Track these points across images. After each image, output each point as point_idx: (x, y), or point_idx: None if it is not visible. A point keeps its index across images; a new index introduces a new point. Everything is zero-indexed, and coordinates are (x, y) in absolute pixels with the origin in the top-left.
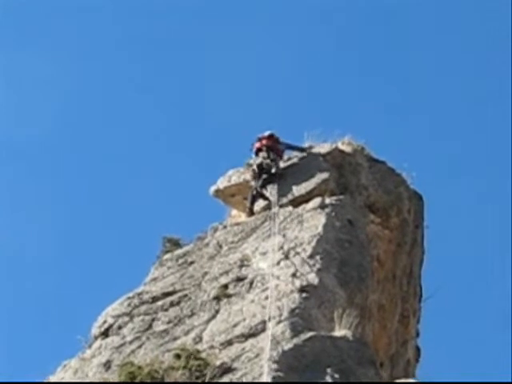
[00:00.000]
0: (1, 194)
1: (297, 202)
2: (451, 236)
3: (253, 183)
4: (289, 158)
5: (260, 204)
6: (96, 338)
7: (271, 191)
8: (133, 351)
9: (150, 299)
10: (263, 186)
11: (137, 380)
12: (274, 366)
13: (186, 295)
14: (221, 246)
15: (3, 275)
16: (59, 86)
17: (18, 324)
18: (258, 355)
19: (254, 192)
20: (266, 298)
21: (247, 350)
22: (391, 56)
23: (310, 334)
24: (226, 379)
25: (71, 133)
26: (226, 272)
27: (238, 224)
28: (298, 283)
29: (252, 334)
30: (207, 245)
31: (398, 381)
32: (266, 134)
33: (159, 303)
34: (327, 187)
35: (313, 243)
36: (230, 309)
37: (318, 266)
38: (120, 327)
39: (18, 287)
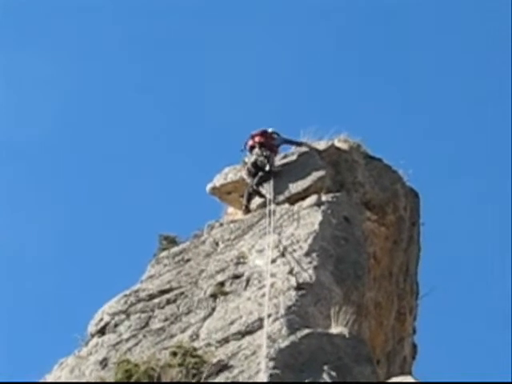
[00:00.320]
0: (1, 194)
1: (293, 200)
2: (448, 233)
3: (249, 181)
4: (285, 156)
5: (256, 201)
6: (92, 335)
7: (267, 189)
8: (129, 349)
9: (147, 297)
10: (259, 183)
11: (133, 378)
12: (271, 363)
13: (182, 293)
14: (217, 244)
15: (3, 275)
16: (59, 85)
17: (15, 323)
18: (254, 353)
19: (250, 190)
20: (263, 295)
21: (244, 348)
22: (388, 54)
23: (307, 331)
24: (222, 377)
25: (71, 133)
26: (223, 269)
27: (234, 221)
28: (294, 280)
29: (249, 331)
30: (204, 242)
31: (394, 378)
32: (259, 130)
33: (156, 301)
34: (323, 184)
35: (309, 240)
36: (227, 306)
37: (314, 263)
38: (116, 325)
39: (17, 287)
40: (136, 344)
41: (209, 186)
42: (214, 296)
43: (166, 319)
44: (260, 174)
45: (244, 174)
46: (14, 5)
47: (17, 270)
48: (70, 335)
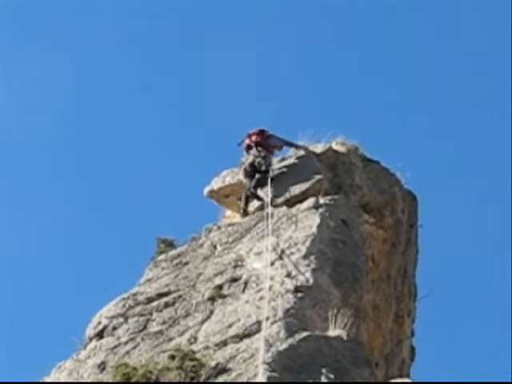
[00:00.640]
0: (1, 194)
1: (291, 202)
2: (446, 235)
3: (246, 182)
4: (283, 159)
5: (254, 204)
6: (91, 339)
7: (265, 191)
8: (127, 352)
9: (145, 300)
10: (257, 186)
11: (132, 381)
12: (269, 366)
13: (180, 296)
14: (215, 247)
15: (2, 275)
16: (59, 85)
17: (13, 325)
18: (252, 356)
19: (248, 193)
20: (261, 298)
21: (242, 351)
22: (386, 56)
23: (305, 334)
24: (220, 380)
25: (71, 133)
26: (221, 272)
27: (232, 225)
28: (292, 283)
29: (247, 334)
30: (201, 245)
31: (392, 380)
32: (256, 129)
33: (154, 304)
34: (321, 187)
35: (307, 243)
36: (225, 309)
37: (312, 266)
38: (115, 328)
39: (16, 288)
40: (134, 347)
41: (207, 189)
42: (212, 299)
43: (164, 322)
44: (257, 176)
45: (241, 174)
46: (13, 5)
47: (16, 271)
48: (65, 338)
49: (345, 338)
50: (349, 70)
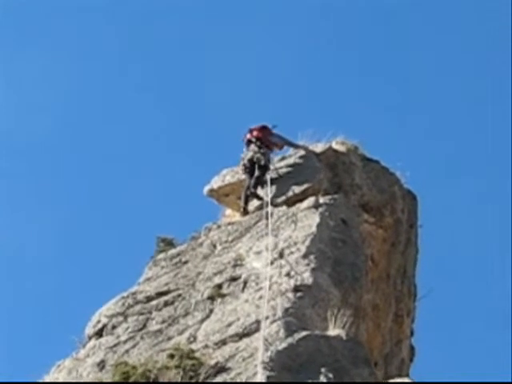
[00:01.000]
0: (1, 194)
1: (291, 202)
2: (445, 235)
3: (245, 178)
4: (283, 158)
5: (254, 203)
6: (90, 337)
7: (265, 191)
8: (127, 351)
9: (144, 299)
10: (256, 185)
11: (131, 380)
12: (268, 365)
13: (179, 295)
14: (215, 246)
15: (2, 275)
16: (59, 85)
17: (13, 324)
18: (252, 355)
19: (248, 192)
20: (260, 297)
21: (241, 350)
22: (386, 56)
23: (304, 333)
24: (219, 379)
25: (71, 133)
26: (220, 272)
27: (231, 224)
28: (292, 283)
29: (246, 333)
30: (201, 244)
31: (392, 380)
32: (258, 125)
33: (153, 303)
34: (321, 186)
35: (307, 243)
36: (224, 308)
37: (312, 265)
38: (114, 327)
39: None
40: (133, 346)
41: (206, 188)
42: (211, 298)
43: (163, 321)
44: (257, 173)
45: (240, 170)
46: (13, 5)
47: (16, 270)
48: (65, 336)
49: (344, 337)
50: (349, 69)
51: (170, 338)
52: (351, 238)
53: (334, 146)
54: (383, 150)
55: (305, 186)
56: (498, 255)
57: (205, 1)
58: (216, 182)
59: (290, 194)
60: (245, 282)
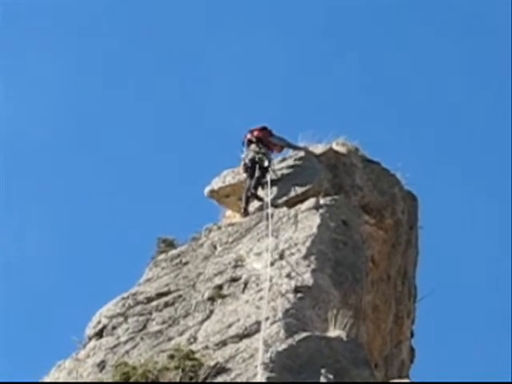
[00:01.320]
0: (1, 194)
1: (291, 203)
2: (446, 236)
3: (246, 178)
4: (283, 159)
5: (255, 204)
6: (90, 338)
7: (265, 192)
8: (127, 352)
9: (145, 300)
10: (257, 186)
11: (131, 380)
12: (268, 366)
13: (180, 296)
14: (215, 247)
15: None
16: (59, 86)
17: (12, 324)
18: (252, 356)
19: (249, 193)
20: (261, 298)
21: (241, 351)
22: (387, 56)
23: (305, 334)
24: (220, 380)
25: (71, 133)
26: (221, 272)
27: (232, 225)
28: (292, 284)
29: (246, 334)
30: (202, 245)
31: (392, 381)
32: (259, 126)
33: (154, 304)
34: (321, 188)
35: (307, 244)
36: (225, 309)
37: (312, 266)
38: (114, 328)
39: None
40: (134, 347)
41: (207, 189)
42: (211, 299)
43: (163, 322)
44: (257, 174)
45: (241, 170)
46: (14, 5)
47: (16, 270)
48: (65, 337)
49: (344, 338)
50: (350, 70)
51: (170, 339)
52: (352, 239)
53: (335, 147)
54: (384, 152)
55: (305, 187)
56: (499, 256)
57: (205, 1)
58: (216, 183)
59: (291, 195)
60: (245, 283)
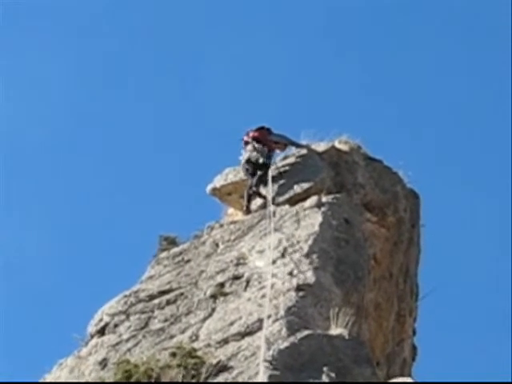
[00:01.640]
0: (1, 194)
1: (293, 201)
2: (447, 235)
3: (246, 177)
4: (285, 157)
5: (257, 202)
6: (92, 336)
7: (268, 189)
8: (129, 349)
9: (147, 297)
10: (259, 184)
11: (133, 378)
12: (270, 364)
13: (182, 293)
14: (217, 245)
15: (2, 275)
16: (59, 86)
17: (14, 323)
18: (254, 354)
19: (251, 191)
20: (263, 296)
21: (243, 349)
22: (389, 55)
23: (307, 332)
24: (221, 378)
25: (71, 133)
26: (223, 270)
27: (234, 222)
28: (294, 282)
29: (248, 332)
30: (204, 243)
31: (394, 380)
32: (256, 127)
33: (156, 301)
34: (324, 186)
35: (309, 242)
36: (227, 307)
37: (314, 264)
38: (116, 325)
39: (16, 287)
40: (136, 344)
41: (209, 187)
42: (213, 297)
43: (165, 320)
44: (259, 173)
45: (242, 171)
46: (14, 5)
47: (17, 270)
48: (67, 334)
49: (346, 336)
50: (351, 68)
51: (172, 337)
52: (354, 237)
53: (337, 145)
54: (386, 150)
55: (307, 185)
56: (500, 255)
57: (204, 1)
58: (219, 181)
59: (293, 192)
60: (247, 281)
